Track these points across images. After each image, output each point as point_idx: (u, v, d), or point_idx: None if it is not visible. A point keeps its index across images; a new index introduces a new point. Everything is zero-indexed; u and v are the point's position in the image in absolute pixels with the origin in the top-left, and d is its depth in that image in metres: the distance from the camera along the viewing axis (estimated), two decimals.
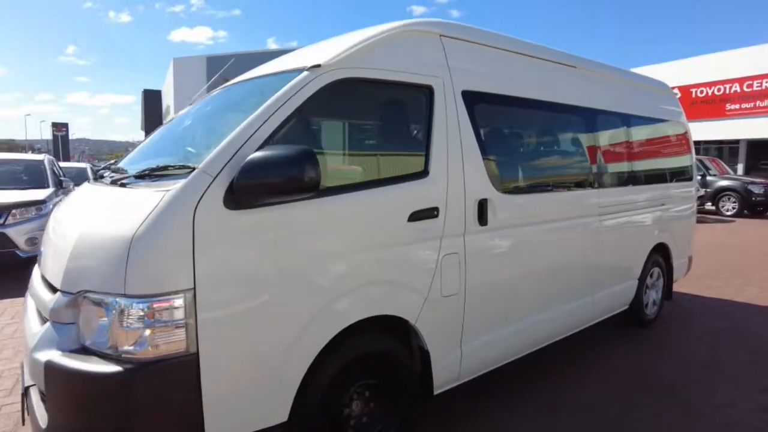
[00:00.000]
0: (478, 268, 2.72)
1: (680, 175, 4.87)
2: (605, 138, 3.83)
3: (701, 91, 21.33)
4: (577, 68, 3.61)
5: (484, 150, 2.80)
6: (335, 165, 2.43)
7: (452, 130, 2.58)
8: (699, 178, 14.93)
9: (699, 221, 13.68)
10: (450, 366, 2.67)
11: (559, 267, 3.27)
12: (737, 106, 20.18)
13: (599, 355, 3.89)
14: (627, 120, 4.04)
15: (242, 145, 1.91)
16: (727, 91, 20.44)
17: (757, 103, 19.58)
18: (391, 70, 2.38)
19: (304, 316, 2.01)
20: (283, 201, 1.91)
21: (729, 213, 14.31)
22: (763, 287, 6.09)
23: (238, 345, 1.86)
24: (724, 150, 21.65)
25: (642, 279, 4.26)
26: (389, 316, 2.35)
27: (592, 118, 3.61)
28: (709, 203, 14.59)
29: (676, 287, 5.89)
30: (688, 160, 4.98)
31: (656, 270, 4.52)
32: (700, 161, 15.38)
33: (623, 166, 4.02)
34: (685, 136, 4.96)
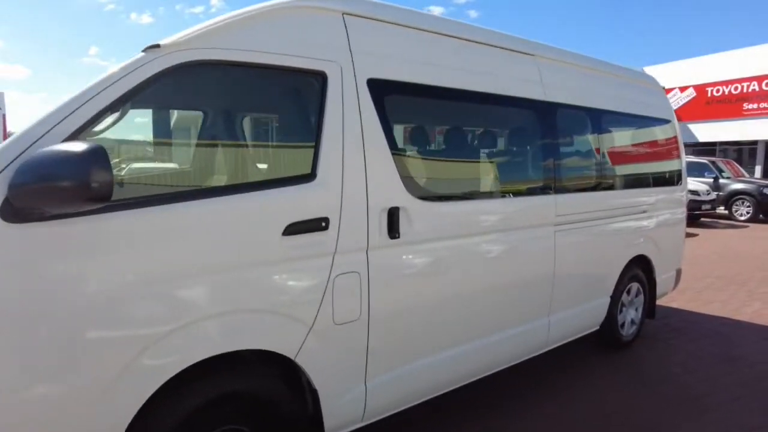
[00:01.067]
0: (388, 290, 2.28)
1: (666, 178, 4.34)
2: (567, 136, 3.35)
3: (717, 90, 20.43)
4: (534, 56, 3.14)
5: (398, 149, 2.36)
6: (181, 165, 2.02)
7: (351, 125, 2.15)
8: (711, 180, 14.29)
9: (710, 226, 13.14)
10: (350, 405, 2.23)
11: (500, 286, 2.80)
12: (755, 106, 19.24)
13: (564, 380, 3.40)
14: (598, 116, 3.54)
15: (37, 140, 1.51)
16: (745, 90, 19.51)
17: None
18: (265, 52, 1.95)
19: (121, 358, 1.60)
20: (80, 212, 1.50)
21: (743, 218, 13.56)
22: (767, 303, 5.51)
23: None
24: (744, 151, 20.72)
25: (616, 296, 3.76)
26: (261, 350, 1.93)
27: (549, 114, 3.13)
28: (722, 207, 13.85)
29: (669, 303, 5.36)
30: (676, 161, 4.45)
31: (635, 285, 4.01)
32: (713, 163, 14.65)
33: (589, 169, 3.53)
34: (673, 136, 4.42)
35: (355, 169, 2.15)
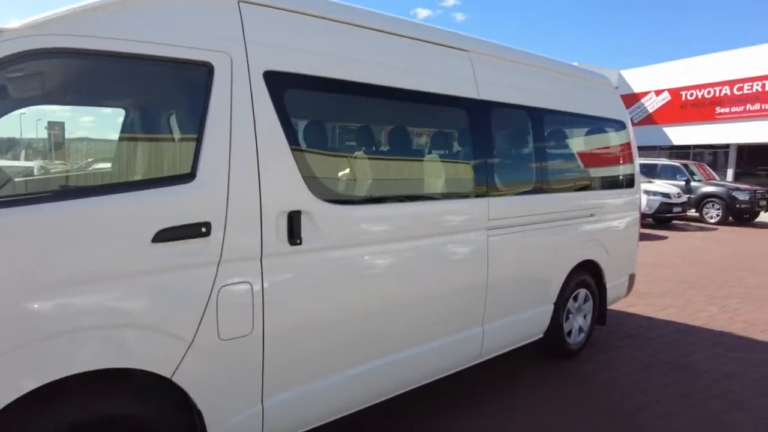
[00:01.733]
0: (287, 302, 2.09)
1: (617, 181, 4.22)
2: (503, 136, 3.20)
3: (691, 94, 20.68)
4: (468, 52, 2.97)
5: (302, 148, 2.17)
6: (47, 164, 1.81)
7: (241, 121, 1.95)
8: (683, 183, 14.37)
9: (680, 229, 13.21)
10: (243, 426, 2.04)
11: (422, 296, 2.62)
12: (727, 110, 19.51)
13: (501, 392, 3.24)
14: (539, 116, 3.39)
15: None
16: (717, 94, 19.77)
17: (748, 106, 18.91)
18: (141, 41, 1.75)
19: None
20: None
21: (713, 220, 13.67)
22: (724, 307, 5.44)
23: None
24: (719, 155, 20.98)
25: (560, 303, 3.61)
26: (131, 368, 1.73)
27: (483, 113, 2.96)
28: (693, 210, 13.94)
29: (627, 308, 5.26)
30: (628, 163, 4.33)
31: (582, 292, 3.87)
32: (685, 166, 14.76)
33: (528, 171, 3.37)
34: (626, 137, 4.29)
35: (246, 169, 1.95)
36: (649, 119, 22.14)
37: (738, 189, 13.56)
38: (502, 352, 3.27)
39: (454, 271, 2.78)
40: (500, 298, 3.08)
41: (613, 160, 4.24)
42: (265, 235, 2.00)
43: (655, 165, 14.93)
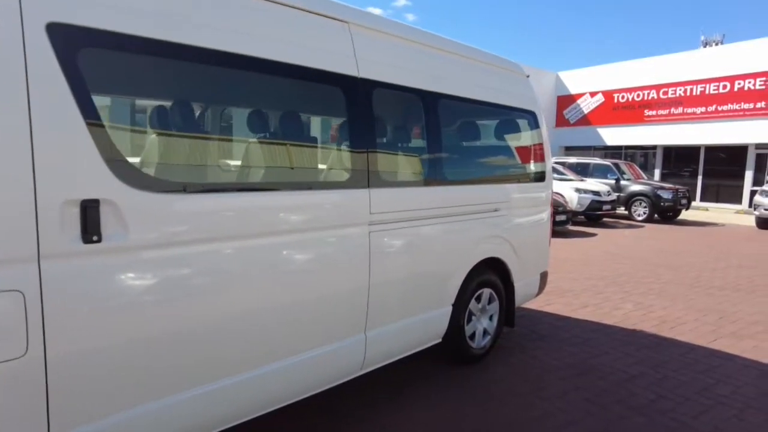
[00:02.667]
0: (81, 314, 1.66)
1: (526, 174, 4.02)
2: (388, 121, 2.89)
3: (622, 96, 21.47)
4: (347, 24, 2.62)
5: (102, 122, 1.74)
6: None
7: (6, 85, 1.51)
8: (613, 182, 14.82)
9: (610, 226, 13.57)
10: None
11: (282, 304, 2.23)
12: (654, 112, 20.40)
13: (392, 408, 2.91)
14: (433, 100, 3.09)
15: None
16: (646, 97, 20.64)
17: (672, 110, 19.85)
18: None
19: None
20: None
21: (640, 218, 14.14)
22: (639, 303, 5.41)
23: None
24: (649, 155, 21.88)
25: (460, 304, 3.34)
26: None
27: (364, 93, 2.61)
28: (623, 208, 14.38)
29: (544, 307, 5.10)
30: (539, 156, 4.13)
31: (486, 292, 3.62)
32: (616, 165, 15.21)
33: (419, 160, 3.08)
34: (537, 128, 4.10)
35: (10, 146, 1.51)
36: (585, 120, 22.84)
37: (662, 188, 14.09)
38: (392, 360, 2.95)
39: (327, 273, 2.42)
40: (386, 301, 2.76)
41: (521, 153, 4.03)
42: (42, 229, 1.56)
43: (588, 164, 15.31)
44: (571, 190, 12.74)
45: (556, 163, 14.98)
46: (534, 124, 4.08)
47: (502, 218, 3.63)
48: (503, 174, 3.75)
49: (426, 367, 3.49)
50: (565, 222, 11.05)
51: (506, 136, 3.86)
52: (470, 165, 3.50)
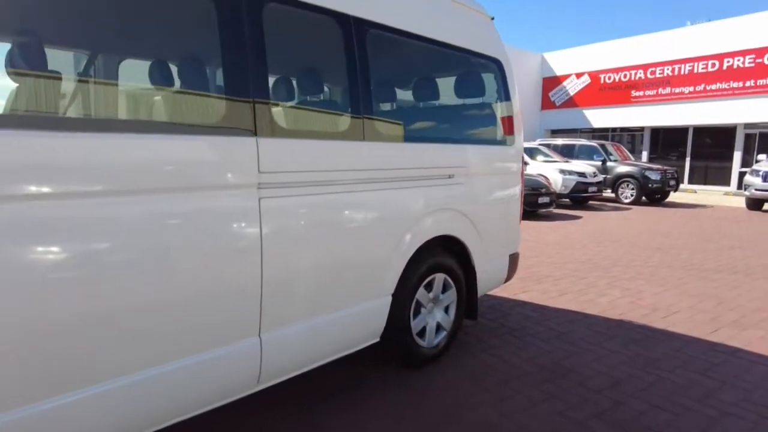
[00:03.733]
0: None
1: (488, 135, 3.30)
2: (291, 49, 2.16)
3: (609, 77, 20.83)
4: None
5: None
6: None
7: None
8: (599, 163, 14.22)
9: (596, 209, 12.97)
10: None
11: (113, 306, 1.52)
12: (641, 93, 19.79)
13: (308, 424, 2.24)
14: (362, 30, 2.34)
15: None
16: (633, 78, 20.01)
17: (660, 90, 19.25)
18: None
19: None
20: None
21: (627, 200, 13.58)
22: (627, 290, 4.77)
23: None
24: (636, 137, 21.31)
25: (403, 294, 2.65)
26: None
27: (249, 6, 1.89)
28: (609, 190, 13.79)
29: (518, 295, 4.44)
30: (506, 114, 3.42)
31: (440, 278, 2.93)
32: (602, 146, 14.60)
33: (341, 104, 2.35)
34: (502, 81, 3.38)
35: None
36: (571, 102, 22.20)
37: (650, 169, 13.51)
38: (304, 370, 2.25)
39: (188, 255, 1.71)
40: (290, 293, 2.05)
41: (483, 110, 3.32)
42: None
43: (573, 145, 14.70)
44: (555, 172, 12.11)
45: (540, 144, 14.35)
46: (500, 75, 3.36)
47: (458, 188, 2.93)
48: (460, 133, 3.04)
49: (362, 372, 2.81)
50: (549, 204, 10.41)
51: (464, 86, 3.13)
52: (415, 118, 2.78)
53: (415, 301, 2.75)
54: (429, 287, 2.87)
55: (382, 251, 2.45)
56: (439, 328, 2.99)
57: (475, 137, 3.13)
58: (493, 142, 3.31)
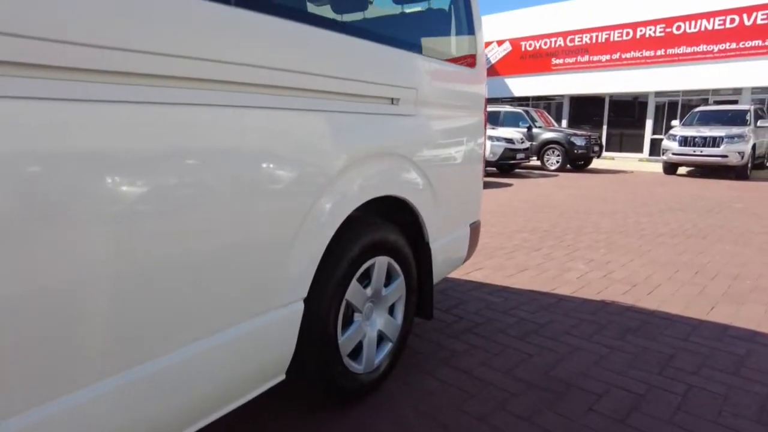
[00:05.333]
0: None
1: (452, 48, 2.28)
2: None
3: (530, 45, 20.69)
4: None
5: None
6: None
7: None
8: (525, 130, 13.88)
9: (524, 176, 12.59)
10: None
11: None
12: (561, 61, 19.85)
13: None
14: None
15: None
16: (553, 45, 19.99)
17: (578, 58, 19.38)
18: None
19: None
20: None
21: (553, 167, 13.36)
22: (591, 261, 4.04)
23: None
24: (555, 106, 21.44)
25: (324, 296, 1.57)
26: None
27: None
28: (535, 157, 13.50)
29: (468, 274, 3.48)
30: (466, 23, 2.40)
31: (381, 264, 1.87)
32: (527, 112, 14.25)
33: None
34: None
35: None
36: (493, 70, 21.88)
37: (576, 134, 13.36)
38: None
39: None
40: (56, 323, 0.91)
41: (437, 17, 2.26)
42: None
43: (499, 112, 14.22)
44: None
45: None
46: None
47: (407, 121, 1.88)
48: (411, 36, 1.96)
49: (248, 416, 1.72)
50: None
51: None
52: None
53: (344, 303, 1.69)
54: (365, 279, 1.82)
55: (277, 229, 1.34)
56: (381, 339, 1.96)
57: (432, 50, 2.07)
58: (456, 62, 2.27)
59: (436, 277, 2.25)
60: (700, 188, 9.71)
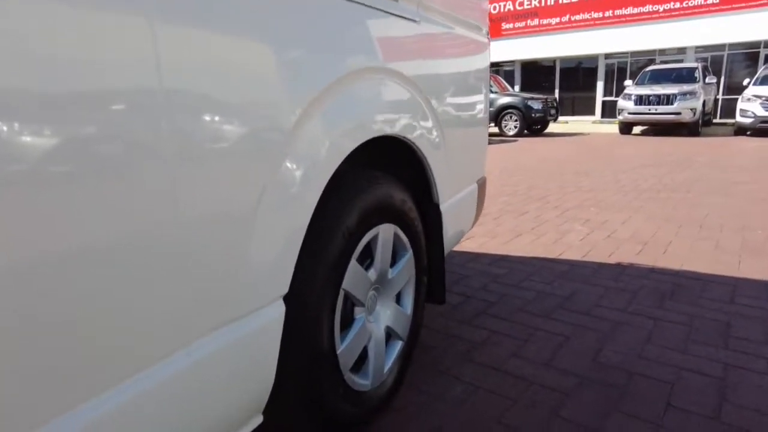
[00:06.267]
0: None
1: None
2: None
3: None
4: None
5: None
6: None
7: None
8: None
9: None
10: None
11: None
12: (511, 26, 19.56)
13: None
14: None
15: None
16: (502, 10, 19.64)
17: (528, 22, 19.15)
18: None
19: None
20: None
21: (511, 133, 13.10)
22: (588, 221, 3.65)
23: None
24: (507, 73, 21.19)
25: (314, 289, 1.03)
26: None
27: None
28: (492, 124, 13.20)
29: (461, 241, 3.05)
30: None
31: (386, 234, 1.32)
32: None
33: None
34: None
35: None
36: None
37: (533, 98, 13.12)
38: None
39: None
40: None
41: None
42: None
43: None
44: None
45: None
46: None
47: (410, 27, 1.32)
48: None
49: None
50: None
51: None
52: None
53: (341, 295, 1.14)
54: (366, 258, 1.28)
55: (222, 197, 0.77)
56: (390, 337, 1.44)
57: None
58: None
59: (447, 246, 1.73)
60: (659, 145, 9.68)
